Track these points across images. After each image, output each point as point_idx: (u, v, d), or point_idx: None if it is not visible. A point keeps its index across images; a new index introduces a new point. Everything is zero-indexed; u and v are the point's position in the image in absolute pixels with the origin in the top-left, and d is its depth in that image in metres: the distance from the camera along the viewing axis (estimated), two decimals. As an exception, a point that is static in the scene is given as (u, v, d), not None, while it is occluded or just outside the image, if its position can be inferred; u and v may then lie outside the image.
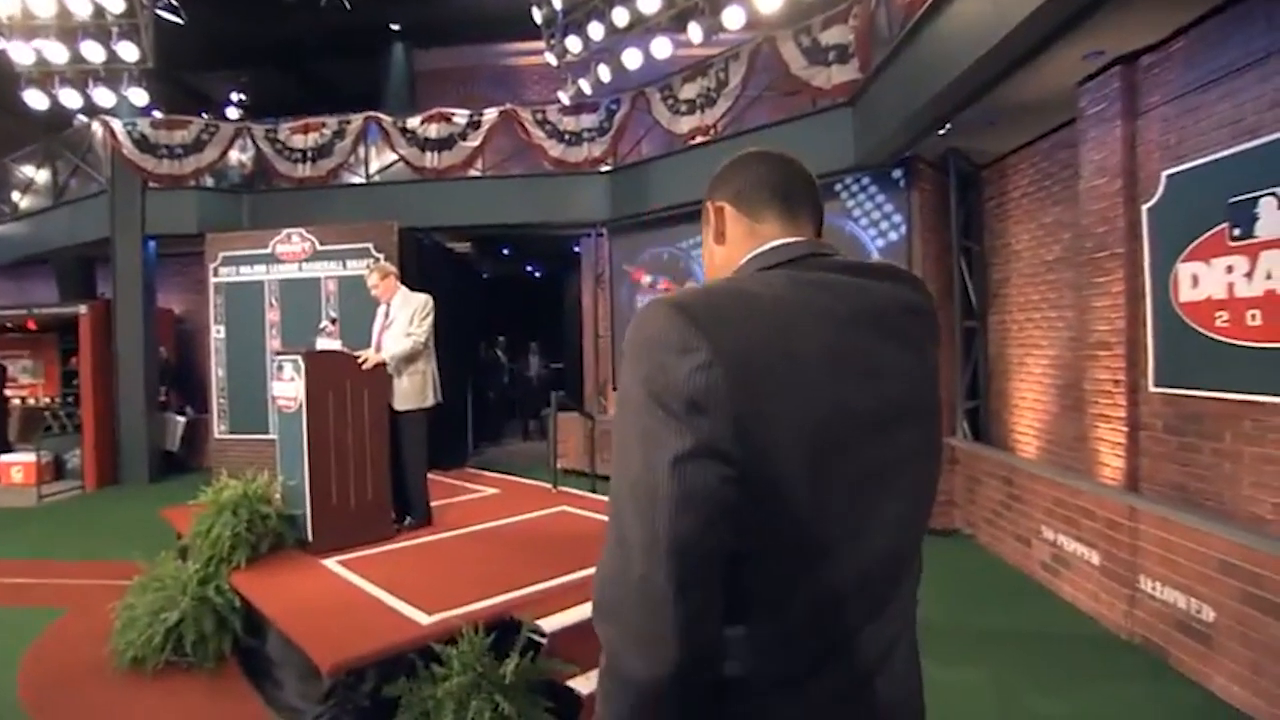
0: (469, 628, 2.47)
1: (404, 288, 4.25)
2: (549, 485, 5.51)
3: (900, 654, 0.84)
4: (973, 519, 5.38)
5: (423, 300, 4.13)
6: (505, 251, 11.46)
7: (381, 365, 3.96)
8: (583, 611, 2.72)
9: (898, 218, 6.06)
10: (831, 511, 0.74)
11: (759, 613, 0.74)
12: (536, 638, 2.58)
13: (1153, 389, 3.85)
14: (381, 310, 4.28)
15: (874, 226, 6.18)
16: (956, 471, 5.61)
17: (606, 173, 8.05)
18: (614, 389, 8.49)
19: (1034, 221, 5.61)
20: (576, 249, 9.74)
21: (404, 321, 4.11)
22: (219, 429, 7.40)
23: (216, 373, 7.46)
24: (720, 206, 0.95)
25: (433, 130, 7.97)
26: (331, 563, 3.42)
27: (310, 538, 3.56)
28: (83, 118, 8.10)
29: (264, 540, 3.39)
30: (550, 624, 2.63)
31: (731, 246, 0.93)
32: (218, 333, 7.45)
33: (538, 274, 13.63)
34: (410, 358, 4.10)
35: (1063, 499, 4.09)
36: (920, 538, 0.88)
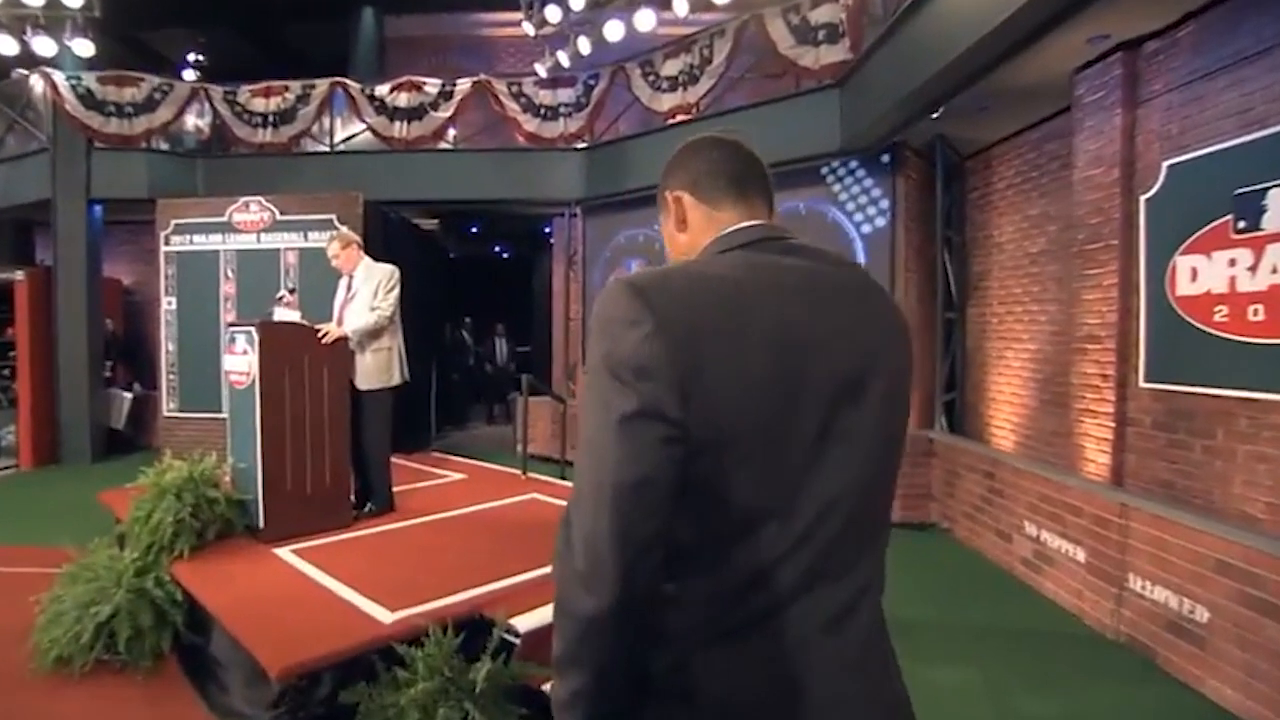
0: (436, 627, 2.26)
1: (367, 259, 3.97)
2: (518, 471, 5.30)
3: (859, 620, 0.86)
4: (950, 513, 5.31)
5: (388, 271, 3.87)
6: (474, 230, 11.13)
7: (343, 340, 3.69)
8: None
9: (883, 204, 5.93)
10: (780, 473, 0.79)
11: (701, 567, 0.80)
12: (509, 638, 2.38)
13: (1143, 384, 3.78)
14: (343, 282, 4.00)
15: (861, 212, 6.05)
16: (934, 465, 5.54)
17: (583, 150, 7.79)
18: (584, 371, 8.27)
19: (1019, 213, 5.53)
20: (547, 229, 9.46)
21: (368, 294, 3.84)
22: (168, 406, 7.01)
23: (167, 347, 7.05)
24: (679, 195, 0.98)
25: (402, 99, 7.61)
26: (285, 552, 3.17)
27: (262, 525, 3.30)
28: (22, 71, 7.54)
29: (210, 527, 3.13)
30: (524, 623, 2.43)
31: (694, 233, 0.97)
32: (169, 305, 7.04)
33: (505, 255, 13.31)
34: (375, 333, 3.84)
35: (1048, 494, 4.01)
36: (884, 507, 0.92)
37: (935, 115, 4.85)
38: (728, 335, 0.77)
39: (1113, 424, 3.95)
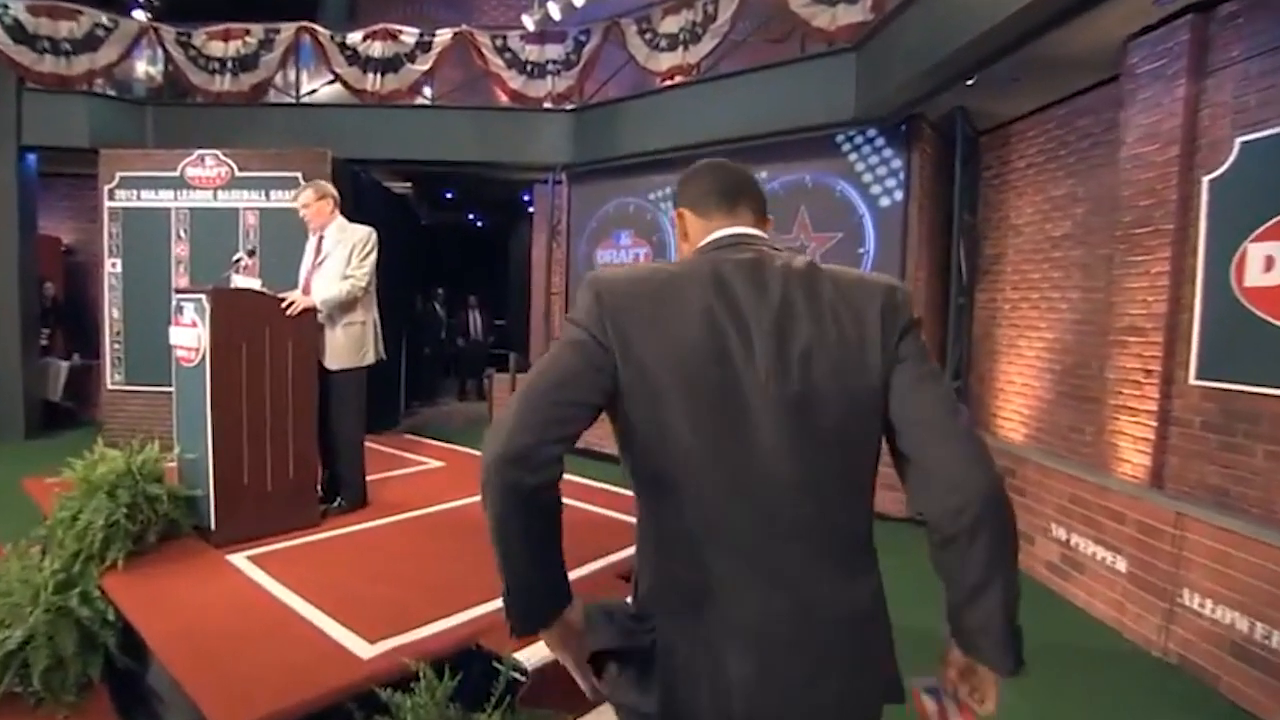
0: (426, 666, 1.85)
1: (342, 218, 3.47)
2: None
3: (830, 592, 0.96)
4: (961, 509, 5.03)
5: (364, 234, 3.38)
6: (448, 196, 10.53)
7: (310, 312, 3.21)
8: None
9: (897, 179, 5.57)
10: (717, 428, 0.94)
11: (654, 527, 1.01)
12: (515, 675, 1.98)
13: (1193, 381, 3.49)
14: (311, 243, 3.50)
15: (874, 186, 5.69)
16: (944, 457, 5.24)
17: (571, 111, 7.26)
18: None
19: (1041, 194, 5.21)
20: (525, 197, 8.93)
21: (340, 259, 3.35)
22: (113, 378, 6.38)
23: (111, 313, 6.40)
24: (681, 212, 1.17)
25: (376, 49, 7.00)
26: (240, 559, 2.71)
27: (213, 525, 2.83)
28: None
29: (151, 529, 2.65)
30: (532, 656, 2.03)
31: (692, 241, 1.14)
32: (113, 266, 6.37)
33: (480, 224, 12.74)
34: (347, 304, 3.36)
35: (1081, 497, 3.72)
36: (850, 485, 1.00)
37: (970, 82, 4.46)
38: (651, 314, 0.96)
39: (1154, 423, 3.66)
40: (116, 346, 6.37)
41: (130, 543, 2.53)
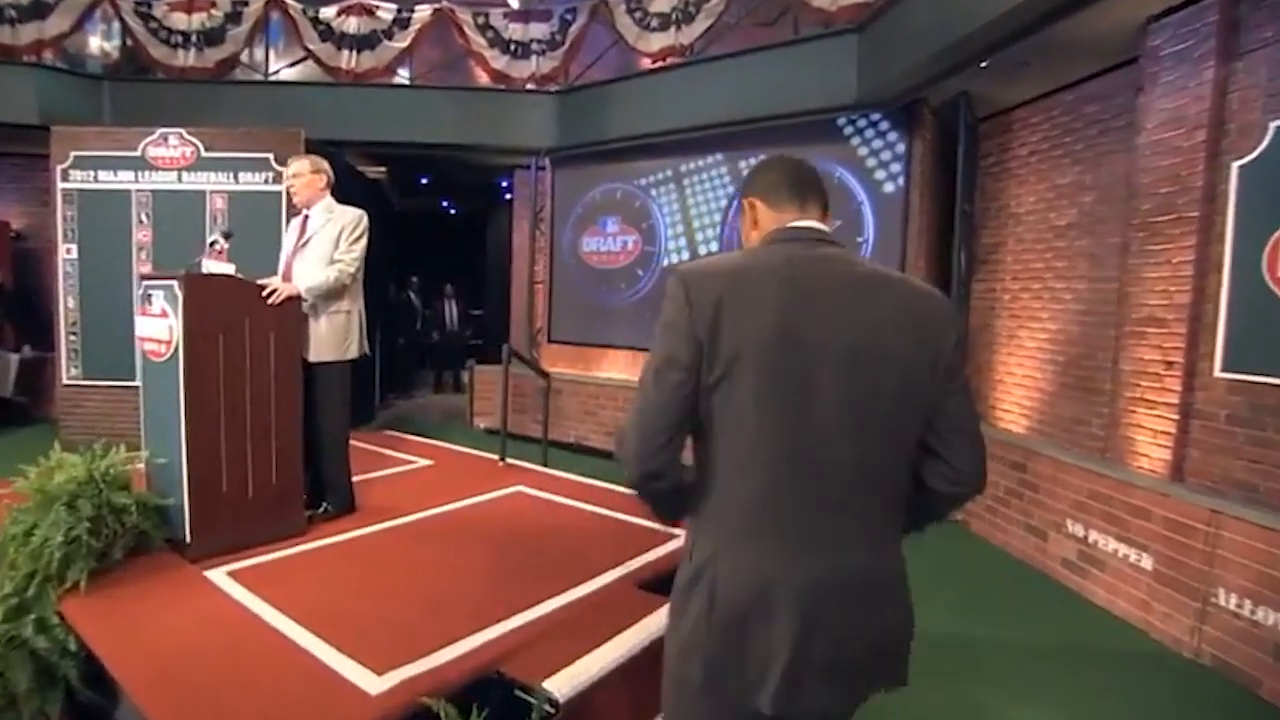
0: (447, 706, 1.62)
1: (330, 198, 3.19)
2: (493, 456, 4.63)
3: (867, 561, 1.12)
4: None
5: (355, 216, 3.11)
6: (423, 181, 10.15)
7: (295, 300, 2.93)
8: (603, 657, 1.93)
9: (897, 167, 5.43)
10: (782, 398, 1.06)
11: (719, 486, 1.12)
12: (547, 709, 1.76)
13: (1218, 373, 3.40)
14: (295, 224, 3.21)
15: (874, 173, 5.53)
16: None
17: (556, 93, 6.99)
18: (549, 341, 7.58)
19: (1045, 182, 5.10)
20: (503, 184, 8.63)
21: (327, 241, 3.07)
22: (69, 372, 5.98)
23: (66, 303, 5.99)
24: (753, 202, 1.25)
25: (351, 24, 6.65)
26: (219, 575, 2.44)
27: (188, 538, 2.55)
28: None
29: (118, 543, 2.36)
30: (562, 685, 1.81)
31: (762, 229, 1.23)
32: (68, 253, 5.96)
33: (454, 211, 12.37)
34: (333, 293, 3.08)
35: (1101, 492, 3.61)
36: (895, 468, 1.14)
37: (984, 65, 4.30)
38: (733, 301, 1.07)
39: (1176, 416, 3.57)
40: (73, 338, 5.97)
41: (94, 560, 2.24)
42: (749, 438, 1.06)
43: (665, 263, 6.62)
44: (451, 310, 10.72)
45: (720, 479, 1.11)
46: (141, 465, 2.64)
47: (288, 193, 3.32)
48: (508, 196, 8.52)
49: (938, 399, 1.12)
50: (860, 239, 5.60)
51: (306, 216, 3.17)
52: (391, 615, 2.17)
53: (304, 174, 3.13)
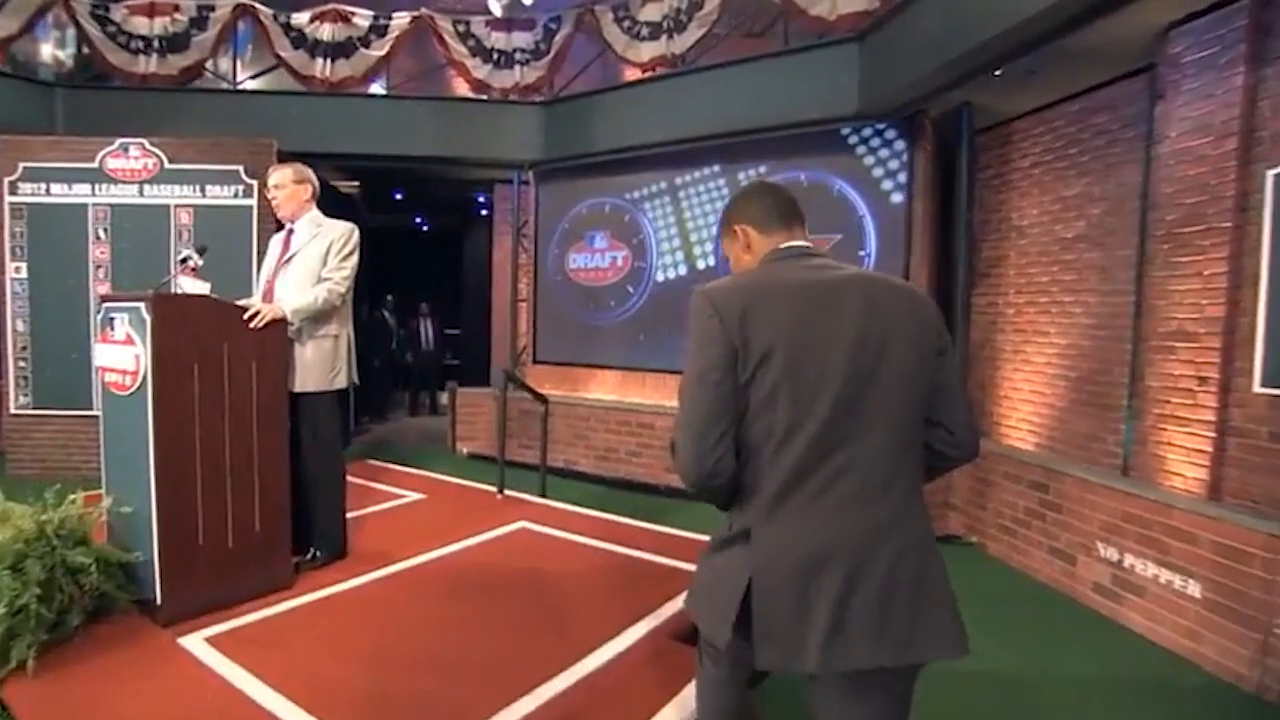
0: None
1: (317, 210, 2.89)
2: (488, 487, 4.33)
3: (885, 504, 1.22)
4: (981, 525, 4.75)
5: (344, 230, 2.82)
6: (397, 197, 9.83)
7: (279, 323, 2.63)
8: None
9: (899, 179, 5.30)
10: (811, 388, 1.19)
11: (760, 466, 1.23)
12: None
13: (1258, 389, 3.26)
14: (278, 239, 2.91)
15: (876, 185, 5.38)
16: (959, 471, 4.96)
17: (540, 104, 6.75)
18: (534, 361, 7.29)
19: (1049, 194, 5.00)
20: (481, 199, 8.35)
21: (313, 258, 2.78)
22: (17, 401, 5.52)
23: (15, 326, 5.55)
24: (745, 228, 1.42)
25: (326, 31, 6.35)
26: (195, 641, 2.11)
27: (159, 598, 2.22)
28: None
29: (75, 609, 2.02)
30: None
31: (754, 252, 1.41)
32: (16, 272, 5.52)
33: (426, 228, 12.06)
34: (321, 315, 2.79)
35: (1135, 514, 3.45)
36: (914, 440, 1.28)
37: (999, 72, 4.18)
38: (759, 309, 1.21)
39: (1212, 434, 3.43)
40: (21, 365, 5.52)
41: (44, 633, 1.91)
42: (784, 413, 1.18)
43: (659, 278, 6.40)
44: (427, 329, 10.38)
45: (759, 453, 1.21)
46: (103, 514, 2.30)
47: (269, 206, 3.02)
48: (485, 212, 8.24)
49: (938, 373, 1.28)
50: (862, 252, 5.45)
51: (291, 231, 2.87)
52: (396, 687, 1.87)
53: (286, 185, 2.84)
